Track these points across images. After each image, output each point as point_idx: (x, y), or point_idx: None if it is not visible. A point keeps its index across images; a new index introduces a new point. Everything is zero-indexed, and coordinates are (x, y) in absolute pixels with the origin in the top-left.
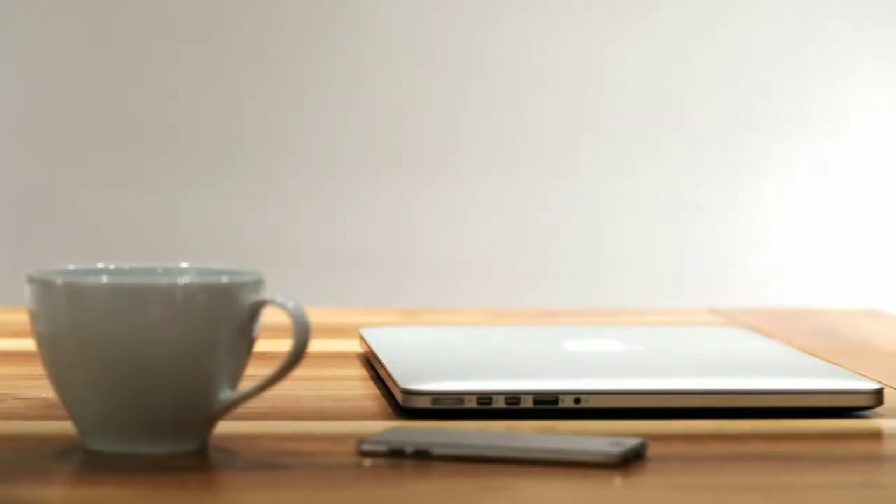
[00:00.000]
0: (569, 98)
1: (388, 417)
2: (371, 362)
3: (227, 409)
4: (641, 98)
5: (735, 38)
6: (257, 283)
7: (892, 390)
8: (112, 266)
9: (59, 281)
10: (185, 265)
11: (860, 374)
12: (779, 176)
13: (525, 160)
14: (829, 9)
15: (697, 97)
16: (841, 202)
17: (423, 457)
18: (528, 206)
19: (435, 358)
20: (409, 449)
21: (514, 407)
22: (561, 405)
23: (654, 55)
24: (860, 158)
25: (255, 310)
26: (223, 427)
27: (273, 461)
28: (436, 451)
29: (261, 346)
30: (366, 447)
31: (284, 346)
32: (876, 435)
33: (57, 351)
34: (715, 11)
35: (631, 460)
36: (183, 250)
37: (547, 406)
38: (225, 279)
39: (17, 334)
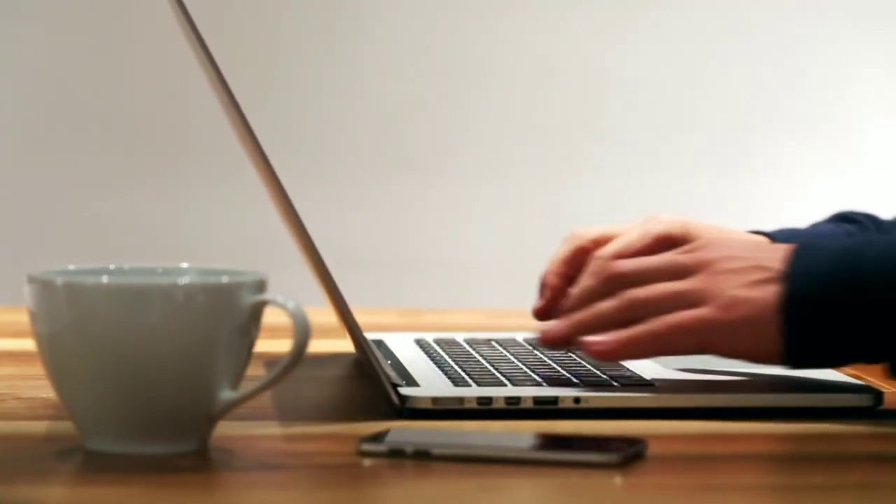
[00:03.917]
0: (570, 99)
1: (389, 417)
2: (371, 362)
3: (227, 409)
4: (643, 100)
5: (738, 41)
6: (257, 283)
7: (891, 391)
8: (112, 266)
9: (59, 281)
10: (185, 265)
11: (860, 376)
12: (781, 178)
13: (525, 161)
14: (834, 12)
15: (700, 99)
16: (843, 204)
17: (423, 457)
18: (529, 206)
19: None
20: (409, 449)
21: (513, 407)
22: (561, 405)
23: (656, 57)
24: (863, 160)
25: (255, 310)
26: (223, 427)
27: (273, 461)
28: (436, 451)
29: (261, 346)
30: (366, 447)
31: (284, 346)
32: (875, 435)
33: (57, 351)
34: (719, 14)
35: (631, 460)
36: (183, 250)
37: (547, 406)
38: (225, 279)
39: (17, 334)
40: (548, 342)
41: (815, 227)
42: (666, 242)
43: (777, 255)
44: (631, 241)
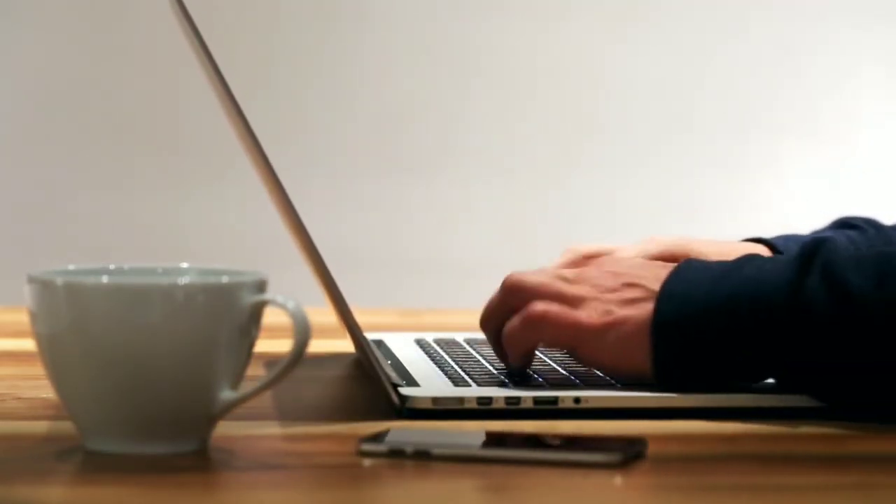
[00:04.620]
0: (569, 98)
1: (389, 417)
2: (371, 362)
3: (227, 409)
4: (643, 99)
5: (738, 41)
6: (257, 283)
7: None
8: (112, 266)
9: (59, 281)
10: (185, 265)
11: None
12: (783, 178)
13: (525, 160)
14: (834, 11)
15: (700, 99)
16: (845, 204)
17: (423, 457)
18: (528, 206)
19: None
20: (409, 449)
21: (513, 407)
22: (561, 405)
23: (657, 57)
24: (865, 161)
25: (256, 310)
26: (223, 427)
27: (273, 461)
28: (436, 451)
29: (261, 346)
30: (366, 447)
31: (284, 346)
32: (875, 435)
33: (57, 351)
34: (719, 14)
35: (631, 460)
36: (183, 250)
37: (547, 406)
38: (225, 279)
39: (17, 334)
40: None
41: (815, 234)
42: (665, 261)
43: (660, 273)
44: (626, 256)
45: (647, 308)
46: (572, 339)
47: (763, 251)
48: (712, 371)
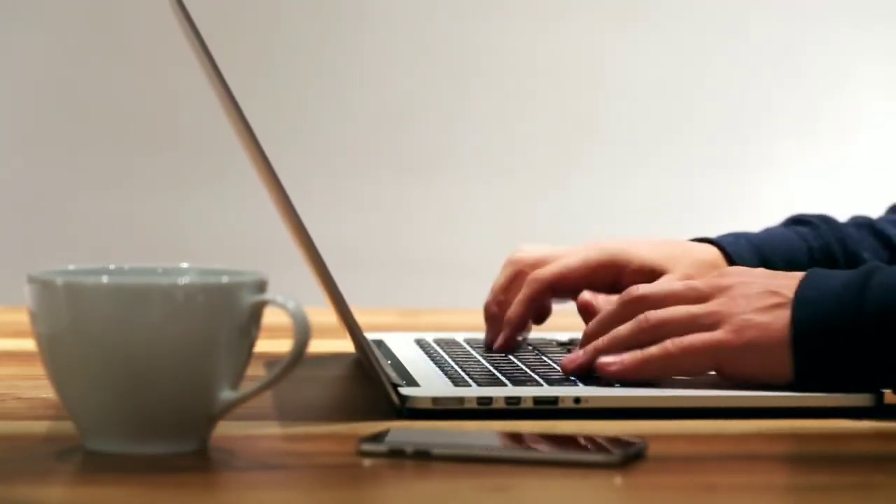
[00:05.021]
0: (569, 98)
1: (389, 417)
2: (371, 362)
3: (227, 409)
4: (643, 100)
5: (737, 41)
6: (257, 283)
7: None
8: (112, 266)
9: (59, 281)
10: (185, 265)
11: None
12: (782, 178)
13: (525, 160)
14: (834, 11)
15: (700, 99)
16: (845, 204)
17: (423, 457)
18: (529, 206)
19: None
20: (409, 449)
21: (513, 407)
22: (561, 405)
23: (657, 57)
24: (865, 161)
25: (256, 310)
26: (223, 427)
27: (273, 461)
28: (436, 451)
29: (261, 346)
30: (365, 447)
31: (284, 346)
32: (876, 435)
33: (57, 351)
34: (719, 14)
35: (631, 460)
36: (183, 250)
37: (547, 406)
38: (225, 279)
39: (17, 334)
40: (570, 371)
41: (768, 231)
42: (606, 267)
43: (790, 283)
44: (569, 265)
45: (784, 314)
46: (713, 360)
47: (713, 251)
48: (848, 376)
